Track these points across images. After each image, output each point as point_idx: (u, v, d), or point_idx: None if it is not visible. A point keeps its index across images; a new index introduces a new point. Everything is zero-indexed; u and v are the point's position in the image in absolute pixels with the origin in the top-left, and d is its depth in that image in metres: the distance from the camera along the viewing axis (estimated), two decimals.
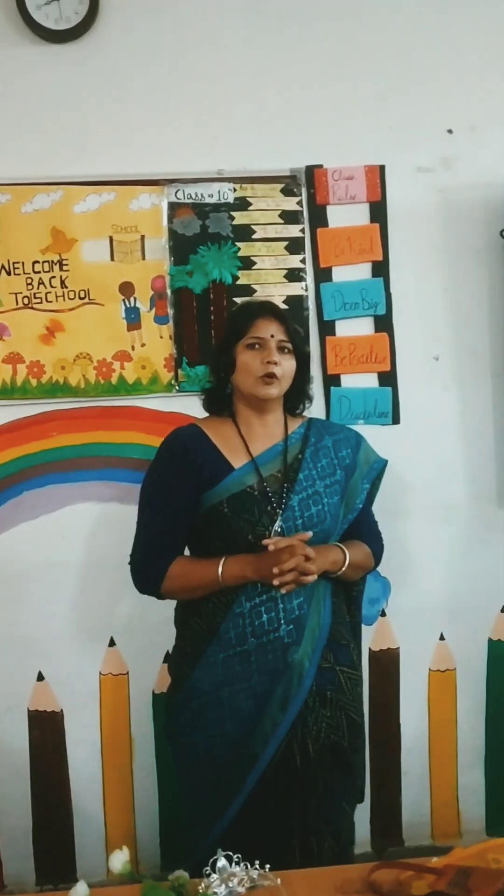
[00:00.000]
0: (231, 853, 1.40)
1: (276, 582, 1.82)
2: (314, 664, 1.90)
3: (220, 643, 1.90)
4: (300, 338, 2.05)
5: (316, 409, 2.50)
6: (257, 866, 1.39)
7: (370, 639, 2.63)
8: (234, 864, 1.38)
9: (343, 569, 1.96)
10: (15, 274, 2.47)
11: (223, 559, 1.89)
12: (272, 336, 1.97)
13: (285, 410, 2.08)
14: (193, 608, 1.97)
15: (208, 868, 1.38)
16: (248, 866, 1.39)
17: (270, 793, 1.87)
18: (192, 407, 2.27)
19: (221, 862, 1.38)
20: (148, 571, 1.97)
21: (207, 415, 2.09)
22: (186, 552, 2.01)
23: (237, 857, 1.40)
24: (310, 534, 1.89)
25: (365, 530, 2.11)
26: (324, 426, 2.13)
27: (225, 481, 1.94)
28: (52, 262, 2.48)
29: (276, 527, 1.91)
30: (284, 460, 2.00)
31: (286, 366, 1.97)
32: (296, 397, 2.09)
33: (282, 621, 1.89)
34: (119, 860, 1.49)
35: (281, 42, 2.52)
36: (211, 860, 1.38)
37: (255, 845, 1.52)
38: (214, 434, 2.00)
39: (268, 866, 1.40)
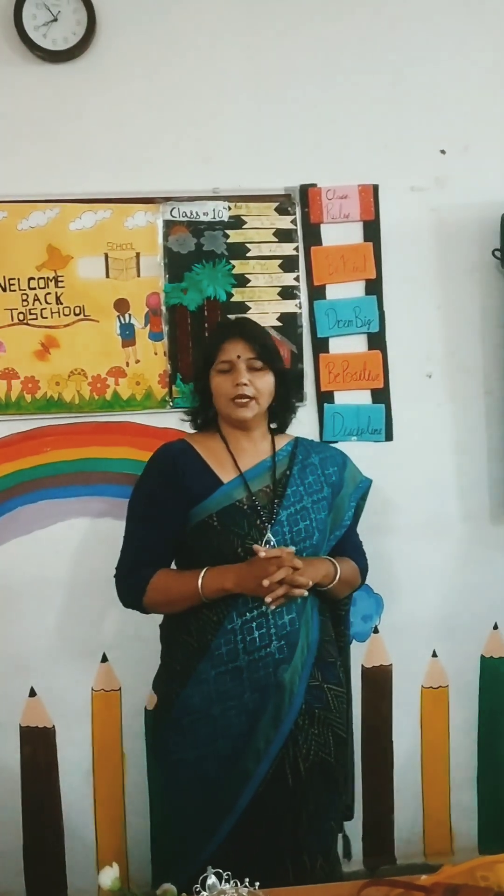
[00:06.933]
0: (221, 871, 1.40)
1: (267, 599, 1.82)
2: (304, 681, 1.91)
3: (212, 660, 1.90)
4: (272, 353, 2.03)
5: (309, 426, 2.53)
6: (247, 884, 1.39)
7: (363, 655, 2.63)
8: (223, 881, 1.38)
9: (334, 582, 1.97)
10: (10, 290, 2.48)
11: (204, 570, 1.89)
12: (238, 357, 1.97)
13: (273, 427, 2.09)
14: (182, 625, 1.97)
15: (198, 886, 1.37)
16: (238, 884, 1.38)
17: (262, 811, 1.87)
18: (185, 423, 2.27)
19: (211, 879, 1.38)
20: (131, 584, 1.98)
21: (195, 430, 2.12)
22: (173, 567, 2.02)
23: (227, 875, 1.39)
24: (293, 549, 1.89)
25: (350, 547, 2.12)
26: (310, 445, 2.15)
27: (214, 495, 1.95)
28: (48, 278, 2.49)
29: (268, 537, 1.91)
30: (273, 476, 2.01)
31: (260, 384, 1.97)
32: (282, 412, 2.10)
33: (273, 637, 1.89)
34: (109, 876, 1.48)
35: (276, 62, 2.55)
36: (200, 878, 1.38)
37: (247, 864, 1.51)
38: (203, 449, 2.02)
39: (257, 884, 1.39)
